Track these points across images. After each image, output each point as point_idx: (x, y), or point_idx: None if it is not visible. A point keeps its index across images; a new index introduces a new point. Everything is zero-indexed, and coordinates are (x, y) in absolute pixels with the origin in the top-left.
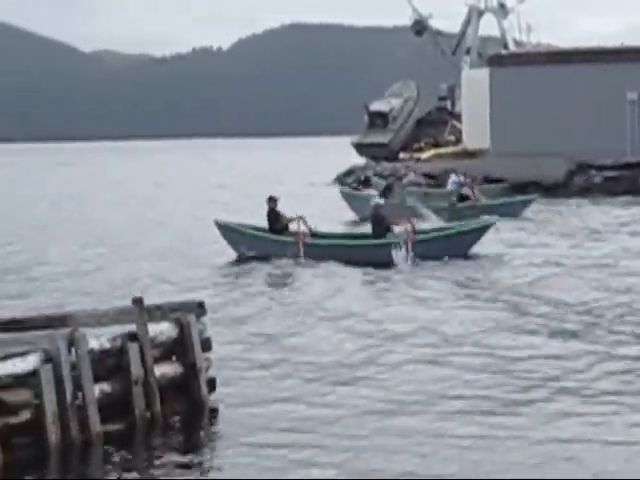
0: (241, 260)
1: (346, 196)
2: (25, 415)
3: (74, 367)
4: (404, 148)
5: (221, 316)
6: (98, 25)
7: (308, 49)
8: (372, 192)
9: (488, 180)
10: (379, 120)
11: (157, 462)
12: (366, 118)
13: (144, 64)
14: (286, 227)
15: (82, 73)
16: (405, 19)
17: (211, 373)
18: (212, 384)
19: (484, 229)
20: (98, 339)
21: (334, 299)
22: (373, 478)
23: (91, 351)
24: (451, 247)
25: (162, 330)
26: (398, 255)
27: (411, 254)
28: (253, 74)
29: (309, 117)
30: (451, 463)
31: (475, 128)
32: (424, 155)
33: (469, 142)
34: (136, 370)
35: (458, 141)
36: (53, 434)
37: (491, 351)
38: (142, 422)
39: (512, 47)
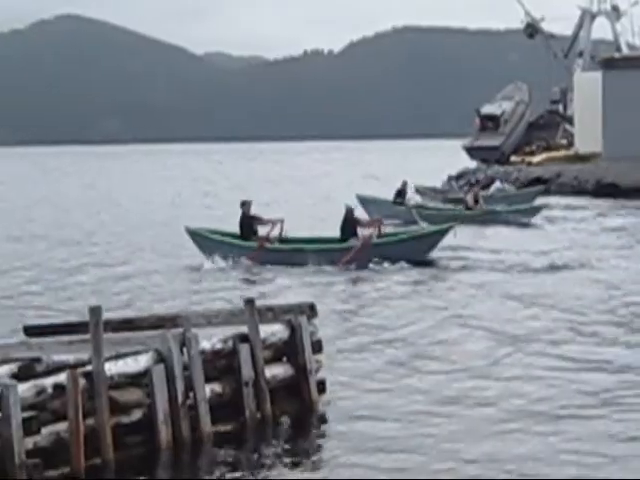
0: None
1: (362, 200)
2: (137, 414)
3: (185, 367)
4: (515, 151)
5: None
6: (210, 27)
7: (419, 52)
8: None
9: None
10: (490, 123)
11: (267, 462)
12: (477, 121)
13: (256, 66)
14: (255, 232)
15: (194, 75)
16: (517, 22)
17: (321, 375)
18: (322, 386)
19: (441, 233)
20: (210, 340)
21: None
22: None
23: (203, 352)
24: (409, 251)
25: (273, 331)
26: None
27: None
28: (364, 77)
29: (419, 120)
30: None
31: (587, 131)
32: (536, 159)
33: (581, 146)
34: (247, 371)
35: (570, 145)
36: (164, 433)
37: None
38: (252, 423)
39: (625, 50)
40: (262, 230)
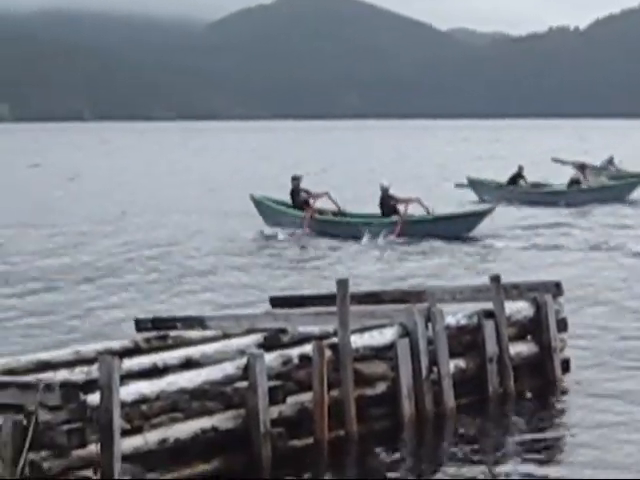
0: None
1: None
2: (381, 387)
3: (430, 342)
4: None
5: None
6: (456, 2)
7: None
8: None
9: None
10: None
11: (507, 440)
12: None
13: (500, 43)
14: (306, 203)
15: (437, 51)
16: None
17: (565, 354)
18: (566, 365)
19: (478, 215)
20: (454, 315)
21: None
22: None
23: (447, 327)
24: (444, 229)
25: (518, 309)
26: (367, 234)
27: (387, 233)
28: (608, 57)
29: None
30: None
31: None
32: None
33: None
34: (491, 348)
35: None
36: (407, 407)
37: None
38: (494, 399)
39: None
40: (319, 203)
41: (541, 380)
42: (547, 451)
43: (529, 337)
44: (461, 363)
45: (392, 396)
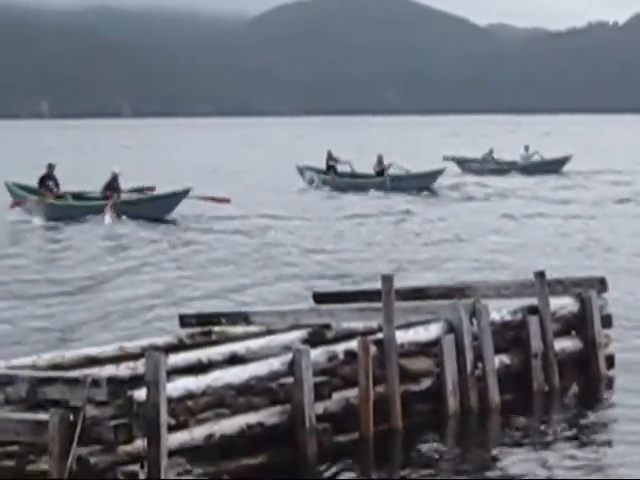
0: None
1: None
2: (426, 383)
3: (475, 338)
4: None
5: None
6: None
7: None
8: None
9: None
10: None
11: (551, 435)
12: None
13: (538, 38)
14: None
15: (476, 47)
16: None
17: (610, 350)
18: (610, 361)
19: (177, 196)
20: (499, 311)
21: None
22: None
23: (492, 323)
24: (146, 211)
25: (563, 304)
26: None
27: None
28: None
29: None
30: None
31: None
32: None
33: None
34: (536, 343)
35: None
36: (452, 402)
37: None
38: (539, 395)
39: None
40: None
41: (585, 376)
42: (591, 447)
43: (573, 333)
44: (505, 359)
45: (437, 392)
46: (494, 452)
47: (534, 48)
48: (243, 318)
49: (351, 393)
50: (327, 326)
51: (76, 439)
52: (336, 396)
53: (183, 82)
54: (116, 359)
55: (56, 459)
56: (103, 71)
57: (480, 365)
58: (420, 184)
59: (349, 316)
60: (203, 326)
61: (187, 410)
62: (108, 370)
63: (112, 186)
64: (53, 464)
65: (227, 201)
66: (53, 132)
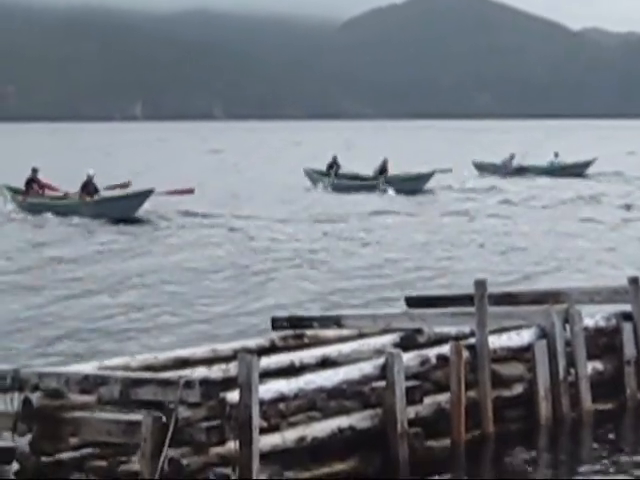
0: None
1: None
2: (518, 389)
3: (568, 344)
4: None
5: None
6: (589, 2)
7: None
8: None
9: None
10: None
11: None
12: None
13: (633, 43)
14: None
15: (568, 51)
16: None
17: None
18: None
19: (142, 196)
20: (592, 317)
21: None
22: None
23: (585, 328)
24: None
25: None
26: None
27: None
28: None
29: None
30: None
31: None
32: None
33: None
34: (629, 350)
35: None
36: (544, 409)
37: None
38: (632, 402)
39: None
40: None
41: None
42: None
43: None
44: (598, 365)
45: (529, 398)
46: (586, 460)
47: (628, 52)
48: (335, 321)
49: (443, 398)
50: (419, 330)
51: (168, 440)
52: (428, 401)
53: (273, 85)
54: (208, 361)
55: (148, 460)
56: (196, 74)
57: (572, 371)
58: (413, 187)
59: (441, 320)
60: (295, 329)
61: (279, 413)
62: (201, 372)
63: (88, 188)
64: (145, 465)
65: (191, 192)
66: (145, 134)
